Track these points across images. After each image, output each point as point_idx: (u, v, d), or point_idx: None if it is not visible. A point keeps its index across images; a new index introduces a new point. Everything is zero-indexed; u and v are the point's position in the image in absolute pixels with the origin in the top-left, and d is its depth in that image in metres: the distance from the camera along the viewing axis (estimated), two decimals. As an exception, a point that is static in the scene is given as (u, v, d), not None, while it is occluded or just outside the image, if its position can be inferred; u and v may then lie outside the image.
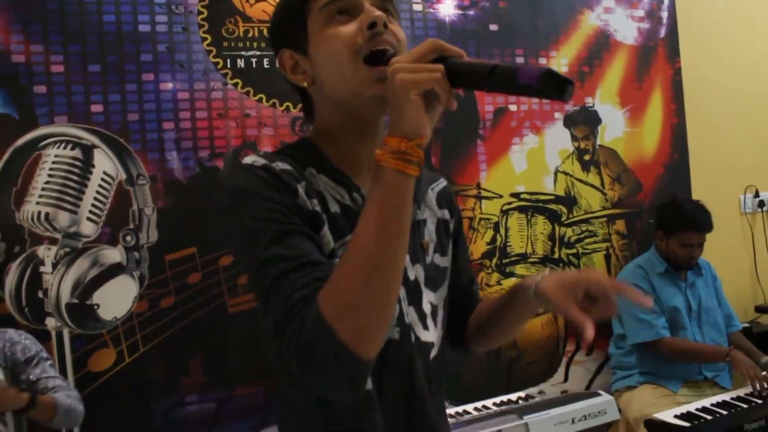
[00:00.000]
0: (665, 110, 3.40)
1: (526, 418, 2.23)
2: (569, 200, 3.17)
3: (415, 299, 1.03)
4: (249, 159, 0.95)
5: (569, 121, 3.19)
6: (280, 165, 0.94)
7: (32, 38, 2.32)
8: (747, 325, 3.27)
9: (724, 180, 3.53)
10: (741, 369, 2.67)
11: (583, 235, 3.19)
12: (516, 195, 3.06)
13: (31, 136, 2.31)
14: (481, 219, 2.97)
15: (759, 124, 3.65)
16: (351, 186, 1.00)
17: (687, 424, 2.35)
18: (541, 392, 2.78)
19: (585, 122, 3.22)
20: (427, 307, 1.05)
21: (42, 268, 2.31)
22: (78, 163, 2.35)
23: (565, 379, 3.09)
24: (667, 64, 3.41)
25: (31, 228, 2.30)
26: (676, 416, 2.42)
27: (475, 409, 2.50)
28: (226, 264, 2.50)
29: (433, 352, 1.05)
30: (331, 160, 1.01)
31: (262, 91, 2.59)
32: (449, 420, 1.51)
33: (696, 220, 2.87)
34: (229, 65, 2.56)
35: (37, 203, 2.30)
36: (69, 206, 2.33)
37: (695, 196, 3.30)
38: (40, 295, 2.31)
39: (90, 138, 2.38)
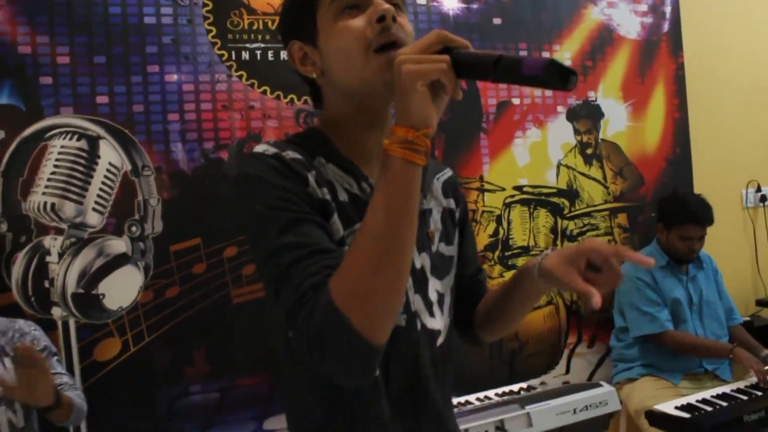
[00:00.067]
0: (668, 105, 3.40)
1: (528, 408, 2.24)
2: (571, 193, 3.18)
3: (421, 287, 1.04)
4: (260, 148, 0.97)
5: (572, 115, 3.20)
6: (290, 154, 0.95)
7: (38, 29, 2.33)
8: (748, 318, 3.28)
9: (726, 174, 3.54)
10: (746, 365, 2.69)
11: (585, 229, 3.21)
12: (519, 188, 3.07)
13: (37, 127, 2.33)
14: (483, 212, 2.99)
15: (761, 119, 3.66)
16: (359, 175, 1.02)
17: (687, 416, 2.36)
18: (543, 383, 2.80)
19: (588, 116, 3.23)
20: (433, 295, 1.06)
21: (48, 258, 2.33)
22: (84, 153, 2.37)
23: (567, 371, 3.11)
24: (670, 59, 3.42)
25: (38, 218, 2.32)
26: (676, 407, 2.44)
27: (477, 399, 2.52)
28: (231, 255, 2.51)
29: (440, 340, 1.07)
30: (340, 149, 1.02)
31: (267, 83, 2.61)
32: (452, 409, 1.52)
33: (697, 214, 2.88)
34: (233, 57, 2.57)
35: (44, 193, 2.32)
36: (75, 197, 2.35)
37: (697, 190, 3.30)
38: (47, 284, 2.32)
39: (95, 129, 2.39)
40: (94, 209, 2.37)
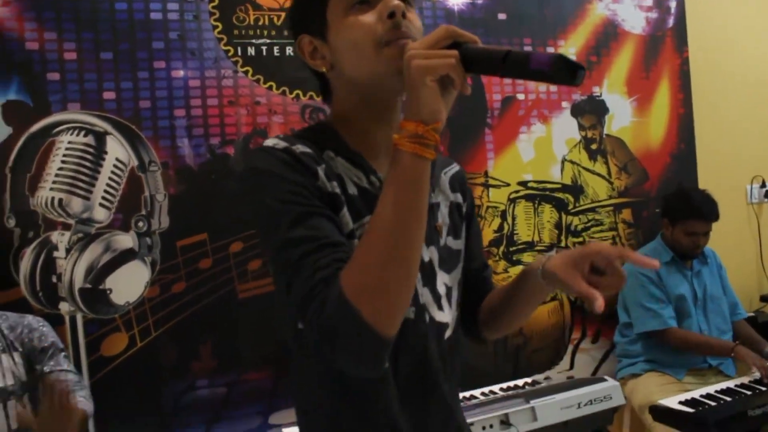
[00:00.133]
0: (672, 100, 3.40)
1: (533, 402, 2.25)
2: (576, 189, 3.19)
3: (429, 280, 1.05)
4: (270, 141, 0.97)
5: (576, 111, 3.20)
6: (300, 148, 0.96)
7: (46, 26, 2.34)
8: (752, 314, 3.29)
9: (730, 170, 3.54)
10: (748, 363, 2.69)
11: (589, 224, 3.21)
12: (523, 183, 3.07)
13: (44, 123, 2.34)
14: (488, 207, 2.99)
15: (766, 115, 3.66)
16: (368, 169, 1.02)
17: (691, 410, 2.37)
18: (547, 378, 2.80)
19: (592, 111, 3.23)
20: (441, 289, 1.07)
21: (56, 253, 2.34)
22: (91, 149, 2.38)
23: (571, 367, 3.12)
24: (675, 54, 3.42)
25: (45, 213, 2.33)
26: (680, 402, 2.45)
27: (482, 393, 2.53)
28: (237, 250, 2.52)
29: (448, 333, 1.08)
30: (349, 143, 1.03)
31: (273, 79, 2.61)
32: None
33: (702, 209, 2.88)
34: (239, 53, 2.58)
35: (51, 189, 2.33)
36: (82, 192, 2.36)
37: (702, 185, 3.31)
38: (54, 279, 2.34)
39: (102, 125, 2.40)
40: (101, 205, 2.38)
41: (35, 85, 2.33)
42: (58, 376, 2.05)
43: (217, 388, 2.51)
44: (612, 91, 3.27)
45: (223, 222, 2.50)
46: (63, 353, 2.12)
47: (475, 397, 2.48)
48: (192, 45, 2.52)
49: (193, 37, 2.52)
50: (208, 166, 2.52)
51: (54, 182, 2.34)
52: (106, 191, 2.39)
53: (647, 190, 3.34)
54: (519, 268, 3.01)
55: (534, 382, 2.66)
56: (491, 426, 2.17)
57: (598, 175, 3.23)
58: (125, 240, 2.41)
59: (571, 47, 3.19)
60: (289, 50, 2.62)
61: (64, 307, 2.34)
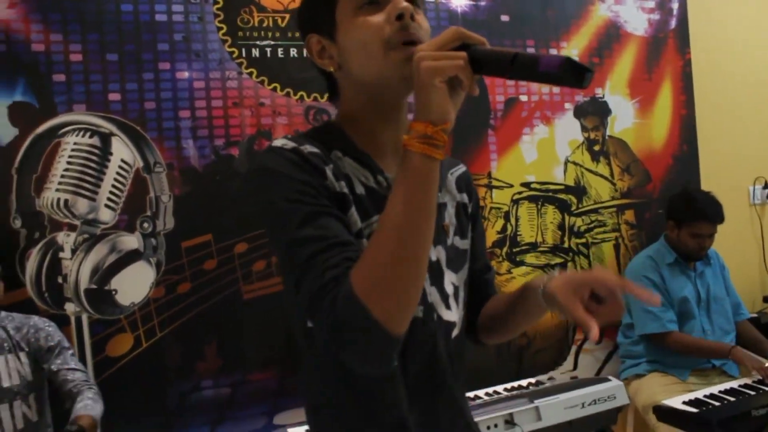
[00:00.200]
0: (675, 101, 3.41)
1: (537, 402, 2.26)
2: (579, 190, 3.19)
3: (437, 280, 1.06)
4: (278, 142, 0.98)
5: (579, 112, 3.21)
6: (308, 148, 0.97)
7: (52, 27, 2.36)
8: (755, 315, 3.29)
9: (733, 171, 3.54)
10: (746, 365, 2.70)
11: (592, 225, 3.22)
12: (526, 185, 3.08)
13: (50, 124, 2.35)
14: (491, 208, 3.00)
15: (768, 116, 3.67)
16: (375, 168, 1.03)
17: (695, 410, 2.38)
18: (551, 379, 2.81)
19: (595, 113, 3.24)
20: (449, 288, 1.08)
21: (61, 254, 2.35)
22: (96, 150, 2.39)
23: (575, 367, 3.12)
24: (677, 56, 3.42)
25: (51, 214, 2.34)
26: (684, 402, 2.45)
27: (486, 394, 2.54)
28: (242, 251, 2.53)
29: (455, 332, 1.08)
30: (356, 143, 1.04)
31: (277, 81, 2.62)
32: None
33: (707, 212, 2.88)
34: (244, 54, 2.59)
35: (57, 190, 2.34)
36: (87, 193, 2.37)
37: (704, 187, 3.31)
38: (60, 280, 2.35)
39: (108, 126, 2.41)
40: (106, 206, 2.40)
41: (41, 87, 2.34)
42: (65, 375, 2.07)
43: (222, 388, 2.52)
44: (614, 92, 3.28)
45: (227, 223, 2.51)
46: (70, 351, 2.13)
47: (480, 397, 2.49)
48: (197, 46, 2.53)
49: (197, 38, 2.54)
50: (213, 167, 2.53)
51: (60, 183, 2.35)
52: (111, 192, 2.40)
53: (650, 191, 3.34)
54: (522, 270, 3.02)
55: (538, 383, 2.67)
56: (496, 425, 2.17)
57: (601, 176, 3.24)
58: (130, 241, 2.42)
59: (573, 49, 3.19)
60: (293, 52, 2.64)
61: (70, 308, 2.35)
